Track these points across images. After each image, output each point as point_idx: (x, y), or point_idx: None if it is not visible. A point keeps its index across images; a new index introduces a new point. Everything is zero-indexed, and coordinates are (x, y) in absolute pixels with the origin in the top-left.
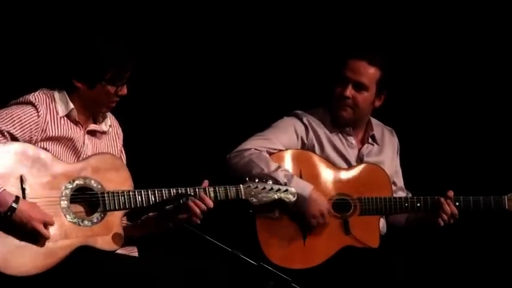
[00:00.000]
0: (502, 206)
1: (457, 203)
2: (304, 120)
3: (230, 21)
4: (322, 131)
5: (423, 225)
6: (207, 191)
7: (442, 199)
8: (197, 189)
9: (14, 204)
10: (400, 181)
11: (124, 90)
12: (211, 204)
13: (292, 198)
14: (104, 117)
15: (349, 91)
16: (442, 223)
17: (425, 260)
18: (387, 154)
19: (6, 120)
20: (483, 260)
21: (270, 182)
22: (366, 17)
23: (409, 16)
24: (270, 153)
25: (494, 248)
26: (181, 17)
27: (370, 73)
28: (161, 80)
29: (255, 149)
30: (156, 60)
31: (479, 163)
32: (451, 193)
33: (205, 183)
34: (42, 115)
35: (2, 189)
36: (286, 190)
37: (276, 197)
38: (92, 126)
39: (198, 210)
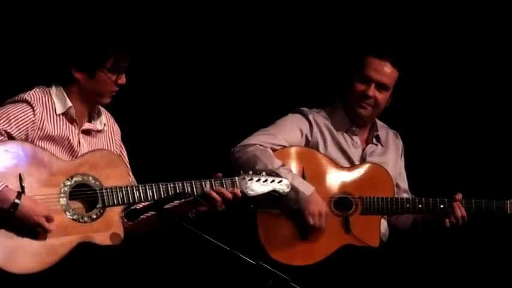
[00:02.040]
0: (504, 211)
1: None
2: (310, 117)
3: (237, 16)
4: (327, 129)
5: (429, 227)
6: (203, 184)
7: (454, 203)
8: (193, 184)
9: (16, 200)
10: (404, 184)
11: (123, 79)
12: (229, 196)
13: (287, 189)
14: (99, 115)
15: (372, 91)
16: (448, 224)
17: (425, 260)
18: (391, 156)
19: (3, 120)
20: (484, 260)
21: (264, 174)
22: (372, 18)
23: (416, 19)
24: (274, 150)
25: (495, 248)
26: (188, 10)
27: (392, 74)
28: (163, 75)
29: (260, 145)
30: (158, 55)
31: (482, 167)
32: (459, 196)
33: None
34: (38, 114)
35: (3, 185)
36: (281, 181)
37: (271, 188)
38: (87, 125)
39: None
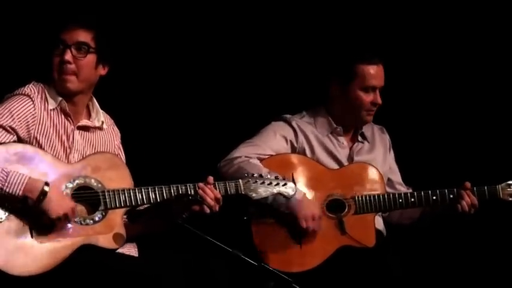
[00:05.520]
0: (496, 196)
1: (451, 196)
2: (293, 124)
3: (222, 28)
4: (312, 134)
5: (440, 217)
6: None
7: (463, 192)
8: (196, 186)
9: (45, 187)
10: (396, 177)
11: (63, 56)
12: (219, 195)
13: (291, 192)
14: (97, 113)
15: (380, 97)
16: (461, 211)
17: (422, 259)
18: (379, 151)
19: (6, 115)
20: (481, 258)
21: (269, 177)
22: (357, 17)
23: (400, 15)
24: (261, 160)
25: (492, 246)
26: (170, 21)
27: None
28: (159, 80)
29: (245, 157)
30: (159, 57)
31: (472, 154)
32: (468, 184)
33: (210, 178)
34: (37, 107)
35: (27, 177)
36: (285, 184)
37: (275, 191)
38: (84, 122)
39: (208, 199)
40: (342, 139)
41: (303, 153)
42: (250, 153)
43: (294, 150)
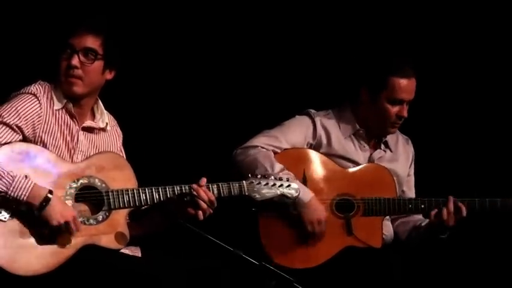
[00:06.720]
0: (508, 208)
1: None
2: (316, 119)
3: (244, 17)
4: (334, 132)
5: (427, 237)
6: (210, 188)
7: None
8: (191, 188)
9: (49, 195)
10: (410, 191)
11: (74, 60)
12: (213, 197)
13: (295, 194)
14: (102, 114)
15: (407, 110)
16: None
17: (424, 260)
18: (400, 163)
19: (12, 114)
20: (482, 259)
21: (273, 178)
22: (383, 19)
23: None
24: (275, 152)
25: (494, 247)
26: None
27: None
28: (168, 78)
29: (261, 147)
30: (162, 57)
31: (485, 165)
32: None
33: (203, 180)
34: (43, 106)
35: (33, 183)
36: (289, 185)
37: (279, 193)
38: (88, 123)
39: (202, 203)
40: (364, 142)
41: (319, 149)
42: (266, 144)
43: (310, 146)
